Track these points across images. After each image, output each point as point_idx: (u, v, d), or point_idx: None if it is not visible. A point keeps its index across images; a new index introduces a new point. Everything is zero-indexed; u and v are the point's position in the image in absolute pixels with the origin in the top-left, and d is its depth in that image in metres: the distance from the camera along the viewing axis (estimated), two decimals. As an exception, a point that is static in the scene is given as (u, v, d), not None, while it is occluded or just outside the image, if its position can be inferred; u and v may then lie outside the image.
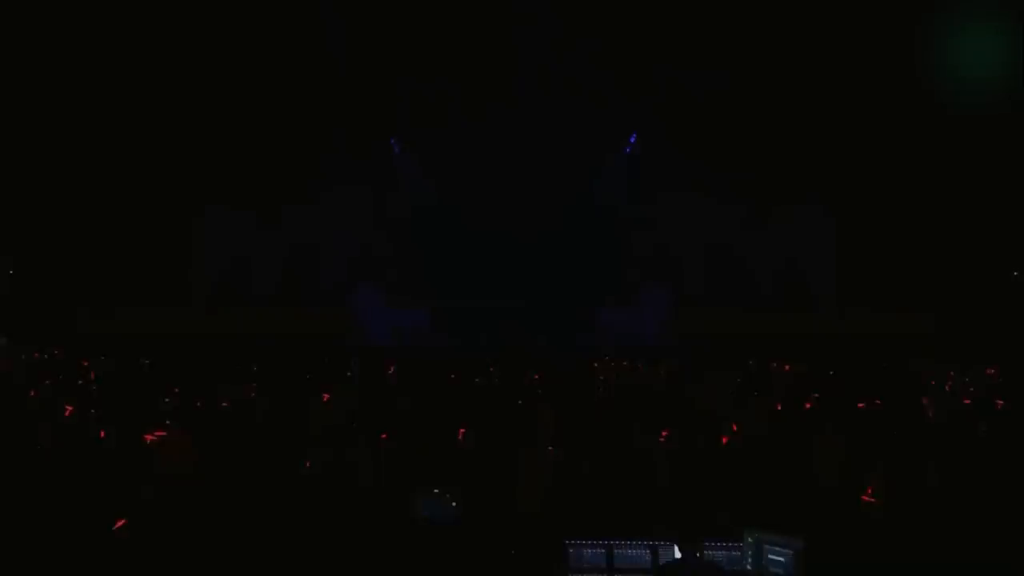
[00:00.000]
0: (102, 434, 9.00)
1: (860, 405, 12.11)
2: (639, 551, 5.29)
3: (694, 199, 27.09)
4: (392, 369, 18.12)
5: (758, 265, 28.65)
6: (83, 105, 24.03)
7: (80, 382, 15.22)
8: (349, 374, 18.18)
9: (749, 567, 5.06)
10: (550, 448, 8.02)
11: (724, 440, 9.21)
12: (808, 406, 12.20)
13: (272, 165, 26.47)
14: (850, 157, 25.50)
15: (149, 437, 8.69)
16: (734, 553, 5.16)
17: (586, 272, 28.10)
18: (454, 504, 6.39)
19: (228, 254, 28.95)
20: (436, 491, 6.42)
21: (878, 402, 12.53)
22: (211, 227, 28.49)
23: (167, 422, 9.29)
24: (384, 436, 8.90)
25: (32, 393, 12.68)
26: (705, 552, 4.76)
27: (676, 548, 4.69)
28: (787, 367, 19.24)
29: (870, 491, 6.77)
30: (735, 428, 9.50)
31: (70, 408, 10.44)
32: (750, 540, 5.07)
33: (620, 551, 5.28)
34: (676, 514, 6.46)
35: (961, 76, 21.11)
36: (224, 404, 12.26)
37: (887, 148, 25.00)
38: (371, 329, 27.86)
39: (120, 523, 5.99)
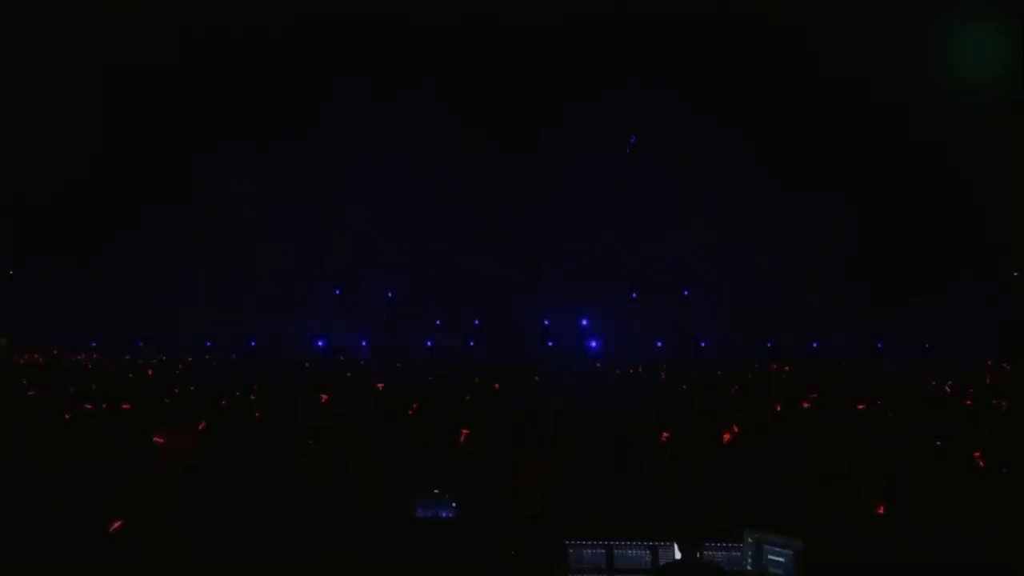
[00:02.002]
0: (102, 435, 8.99)
1: (860, 407, 12.10)
2: (639, 551, 5.26)
3: (694, 196, 27.09)
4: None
5: (758, 264, 28.62)
6: (83, 105, 24.05)
7: (80, 382, 15.21)
8: (349, 375, 18.18)
9: (749, 567, 5.05)
10: (550, 449, 8.01)
11: (725, 439, 9.21)
12: (807, 406, 12.19)
13: (272, 165, 26.48)
14: (850, 156, 25.50)
15: (153, 438, 8.68)
16: (734, 553, 5.15)
17: (588, 273, 28.08)
18: (454, 504, 6.40)
19: (231, 251, 28.92)
20: (436, 491, 6.43)
21: (878, 402, 12.52)
22: (212, 223, 28.47)
23: (168, 422, 9.28)
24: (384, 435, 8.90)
25: (32, 393, 12.67)
26: (705, 552, 4.75)
27: (676, 548, 4.68)
28: (787, 367, 19.25)
29: (881, 510, 6.78)
30: (735, 428, 9.50)
31: (70, 408, 10.44)
32: (750, 540, 5.06)
33: (620, 551, 5.26)
34: (676, 514, 6.45)
35: (961, 76, 21.12)
36: (224, 403, 12.26)
37: (887, 149, 25.01)
38: (372, 330, 27.85)
39: (117, 524, 5.99)
